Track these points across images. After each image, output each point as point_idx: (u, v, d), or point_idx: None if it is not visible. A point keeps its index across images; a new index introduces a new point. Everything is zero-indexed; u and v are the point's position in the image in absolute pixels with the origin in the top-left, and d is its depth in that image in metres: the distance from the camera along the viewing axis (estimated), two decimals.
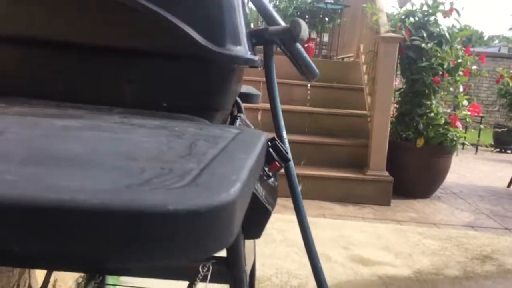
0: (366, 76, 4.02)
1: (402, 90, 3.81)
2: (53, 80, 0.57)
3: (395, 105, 3.78)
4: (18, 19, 0.55)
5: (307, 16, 6.86)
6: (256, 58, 0.58)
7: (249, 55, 0.58)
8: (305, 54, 0.79)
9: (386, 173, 3.43)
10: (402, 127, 3.64)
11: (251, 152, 0.38)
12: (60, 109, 0.50)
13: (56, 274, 1.46)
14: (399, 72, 3.78)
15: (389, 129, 3.45)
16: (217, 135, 0.45)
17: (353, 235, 2.66)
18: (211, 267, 0.56)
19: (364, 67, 4.14)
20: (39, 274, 1.33)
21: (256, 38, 0.76)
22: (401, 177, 3.48)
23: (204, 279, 0.55)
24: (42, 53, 0.57)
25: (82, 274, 1.75)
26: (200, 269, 0.56)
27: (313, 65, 0.82)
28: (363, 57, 4.27)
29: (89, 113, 0.50)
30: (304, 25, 0.74)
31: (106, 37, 0.54)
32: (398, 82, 3.99)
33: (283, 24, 0.78)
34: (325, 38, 7.62)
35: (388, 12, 3.81)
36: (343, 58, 5.63)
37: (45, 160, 0.27)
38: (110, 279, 1.41)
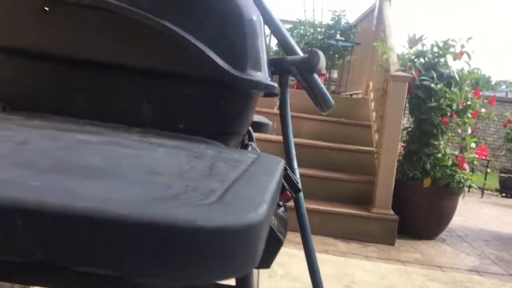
0: (374, 113, 4.03)
1: (410, 129, 3.81)
2: (72, 97, 0.57)
3: (403, 144, 3.77)
4: (42, 35, 0.55)
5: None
6: (276, 85, 0.58)
7: (269, 81, 0.58)
8: (322, 85, 0.80)
9: (392, 212, 3.39)
10: (409, 166, 3.62)
11: (272, 175, 0.37)
12: (78, 125, 0.50)
13: None
14: (407, 111, 3.79)
15: (396, 167, 3.43)
16: (236, 158, 0.44)
17: (356, 274, 2.60)
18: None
19: (373, 104, 4.16)
20: None
21: (274, 66, 0.76)
22: (407, 217, 3.44)
23: None
24: (62, 70, 0.57)
25: None
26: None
27: (329, 96, 0.82)
28: (372, 94, 4.30)
29: (108, 130, 0.49)
30: (322, 55, 0.75)
31: (128, 56, 0.55)
32: (405, 121, 3.99)
33: (301, 54, 0.78)
34: (334, 74, 7.70)
35: (398, 52, 3.86)
36: (351, 95, 5.67)
37: (69, 170, 0.26)
38: None
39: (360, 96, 5.10)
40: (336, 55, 6.96)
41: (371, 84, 4.44)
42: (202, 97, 0.57)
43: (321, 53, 0.75)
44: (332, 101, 0.82)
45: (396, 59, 3.58)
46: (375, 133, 3.88)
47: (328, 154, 3.82)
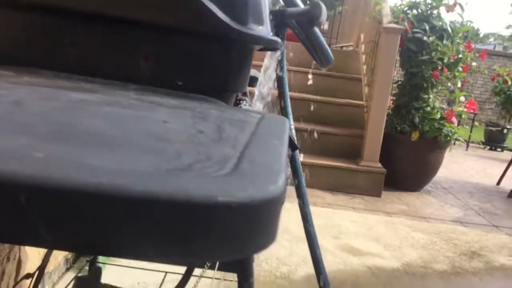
0: (365, 66, 3.99)
1: (400, 82, 3.79)
2: (63, 51, 0.54)
3: (392, 97, 3.77)
4: None
5: (308, 2, 6.78)
6: (279, 40, 0.55)
7: (271, 36, 0.55)
8: (322, 39, 0.77)
9: (379, 165, 3.43)
10: (398, 119, 3.64)
11: (281, 138, 0.35)
12: (72, 81, 0.47)
13: (45, 249, 1.44)
14: (397, 65, 3.76)
15: (385, 120, 3.44)
16: (241, 118, 0.42)
17: (343, 225, 2.66)
18: None
19: (364, 57, 4.11)
20: (29, 248, 1.31)
21: (272, 19, 0.73)
22: (393, 169, 3.49)
23: (212, 267, 0.53)
24: (53, 21, 0.53)
25: None
26: None
27: (329, 51, 0.79)
28: (363, 46, 4.24)
29: (104, 87, 0.47)
30: (324, 7, 0.71)
31: (124, 8, 0.51)
32: (395, 74, 3.97)
33: (301, 5, 0.75)
34: (325, 26, 7.55)
35: (391, 3, 3.77)
36: (342, 47, 5.59)
37: (71, 137, 0.24)
38: (100, 257, 1.39)
39: (350, 48, 5.03)
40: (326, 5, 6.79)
41: (362, 36, 4.37)
42: (201, 53, 0.54)
43: (323, 5, 0.71)
44: (332, 56, 0.80)
45: (389, 11, 3.51)
46: (365, 87, 3.85)
47: (317, 108, 3.80)
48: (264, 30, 0.55)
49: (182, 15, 0.51)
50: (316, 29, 0.75)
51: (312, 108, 3.75)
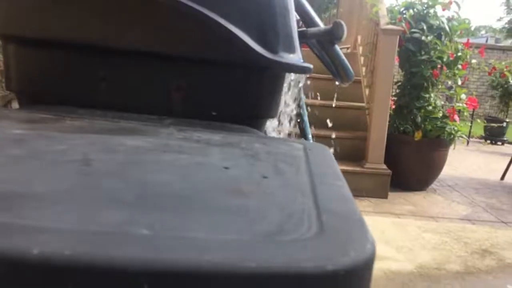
0: (364, 68, 4.00)
1: (400, 83, 3.80)
2: (96, 87, 0.54)
3: (393, 98, 3.77)
4: (63, 21, 0.51)
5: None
6: (311, 66, 0.55)
7: (302, 62, 0.55)
8: (343, 56, 0.77)
9: (384, 166, 3.43)
10: (400, 120, 3.64)
11: (339, 176, 0.35)
12: (110, 120, 0.47)
13: None
14: (396, 64, 3.77)
15: (387, 122, 3.44)
16: (287, 152, 0.42)
17: None
18: None
19: (362, 58, 4.12)
20: None
21: None
22: (398, 170, 3.49)
23: None
24: (85, 58, 0.53)
25: None
26: None
27: (350, 67, 0.79)
28: (360, 48, 4.25)
29: (143, 125, 0.46)
30: (345, 26, 0.72)
31: (156, 43, 0.51)
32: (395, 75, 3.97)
33: (322, 25, 0.75)
34: None
35: (387, 3, 3.78)
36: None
37: (159, 201, 0.24)
38: None
39: (348, 51, 5.04)
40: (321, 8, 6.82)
41: (359, 38, 4.38)
42: (234, 82, 0.54)
43: (344, 24, 0.72)
44: (352, 72, 0.80)
45: (385, 12, 3.52)
46: (365, 89, 3.86)
47: (320, 112, 3.80)
48: (296, 57, 0.55)
49: (213, 46, 0.51)
50: (337, 47, 0.76)
51: (315, 112, 3.74)
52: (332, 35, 0.70)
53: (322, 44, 0.75)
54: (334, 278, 0.20)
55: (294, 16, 0.56)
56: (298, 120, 0.90)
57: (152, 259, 0.18)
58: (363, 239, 0.23)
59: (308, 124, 0.92)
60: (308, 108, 3.38)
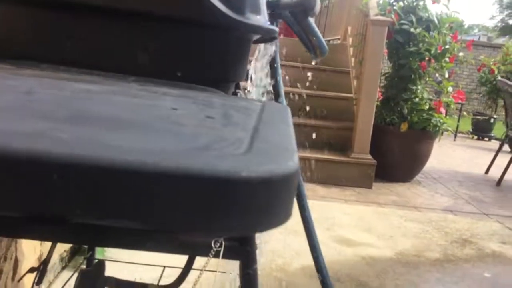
0: (353, 59, 4.01)
1: (387, 74, 3.82)
2: (61, 44, 0.54)
3: (380, 89, 3.80)
4: None
5: None
6: (277, 29, 0.56)
7: (269, 25, 0.56)
8: (317, 29, 0.77)
9: (370, 156, 3.46)
10: (387, 111, 3.66)
11: (287, 122, 0.36)
12: (72, 73, 0.48)
13: (41, 248, 1.43)
14: (386, 56, 3.78)
15: (374, 113, 3.46)
16: (244, 106, 0.43)
17: (336, 217, 2.68)
18: (223, 243, 0.54)
19: (351, 49, 4.13)
20: (25, 247, 1.30)
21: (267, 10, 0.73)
22: (383, 161, 3.52)
23: (216, 255, 0.53)
24: (51, 14, 0.53)
25: (66, 249, 1.72)
26: (212, 244, 0.54)
27: (324, 41, 0.80)
28: (350, 39, 4.26)
29: (105, 79, 0.47)
30: None
31: (122, 0, 0.51)
32: (382, 66, 3.99)
33: None
34: None
35: None
36: (329, 40, 5.61)
37: (90, 121, 0.25)
38: (97, 253, 1.38)
39: (338, 41, 5.05)
40: None
41: (349, 29, 4.39)
42: (199, 43, 0.54)
43: None
44: (326, 46, 0.81)
45: (375, 3, 3.53)
46: (353, 79, 3.87)
47: (307, 102, 3.81)
48: (262, 19, 0.55)
49: (179, 5, 0.51)
50: (311, 20, 0.76)
51: (301, 102, 3.76)
52: (304, 6, 0.70)
53: (296, 16, 0.76)
54: (248, 184, 0.21)
55: None
56: (272, 83, 0.90)
57: (64, 153, 0.19)
58: (287, 159, 0.24)
59: (282, 86, 0.93)
60: (296, 96, 3.38)
